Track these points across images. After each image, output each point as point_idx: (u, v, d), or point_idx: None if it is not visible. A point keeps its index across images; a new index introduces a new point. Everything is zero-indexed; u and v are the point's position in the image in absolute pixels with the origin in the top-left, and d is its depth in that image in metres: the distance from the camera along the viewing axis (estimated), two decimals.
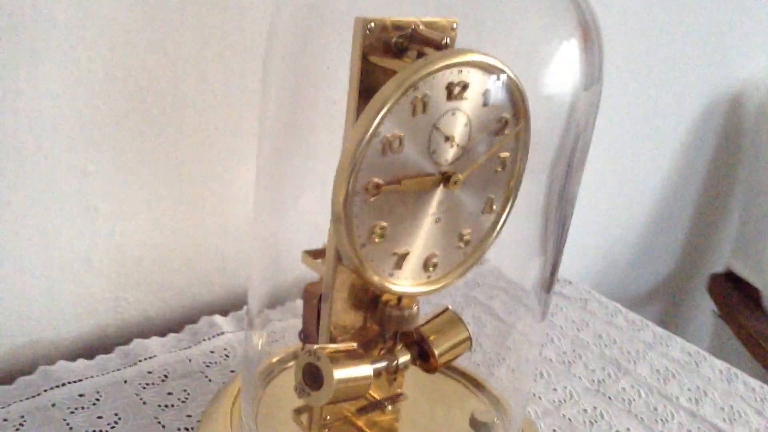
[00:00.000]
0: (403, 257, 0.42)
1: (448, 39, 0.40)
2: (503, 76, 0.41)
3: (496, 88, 0.41)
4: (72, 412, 0.52)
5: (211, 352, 0.60)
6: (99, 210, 0.58)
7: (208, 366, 0.58)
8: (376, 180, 0.38)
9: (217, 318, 0.64)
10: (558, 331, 0.69)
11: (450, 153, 0.41)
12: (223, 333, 0.63)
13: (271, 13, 0.45)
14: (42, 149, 0.54)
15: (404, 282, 0.43)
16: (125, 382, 0.55)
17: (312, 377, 0.44)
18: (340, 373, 0.44)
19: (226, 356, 0.60)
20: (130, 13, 0.54)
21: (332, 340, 0.47)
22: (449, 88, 0.39)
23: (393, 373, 0.48)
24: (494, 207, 0.45)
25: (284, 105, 0.47)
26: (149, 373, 0.56)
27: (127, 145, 0.58)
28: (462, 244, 0.45)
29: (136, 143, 0.58)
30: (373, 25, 0.39)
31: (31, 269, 0.57)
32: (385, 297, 0.46)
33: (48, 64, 0.52)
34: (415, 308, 0.47)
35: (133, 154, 0.58)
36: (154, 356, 0.58)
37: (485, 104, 0.41)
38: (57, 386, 0.54)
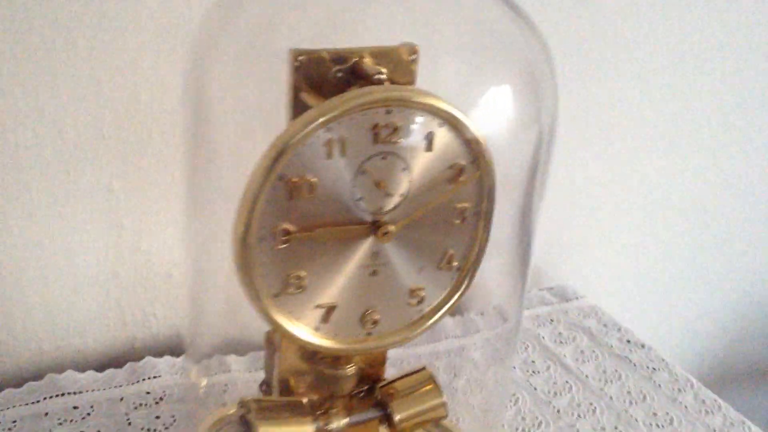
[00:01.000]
0: (330, 310, 0.38)
1: (384, 73, 0.36)
2: (450, 118, 0.36)
3: (441, 131, 0.36)
4: (60, 423, 0.53)
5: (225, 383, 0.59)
6: (124, 226, 0.60)
7: (208, 395, 0.57)
8: (285, 226, 0.35)
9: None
10: (605, 401, 0.61)
11: (386, 201, 0.37)
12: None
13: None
14: (66, 167, 0.56)
15: (335, 338, 0.39)
16: (121, 399, 0.56)
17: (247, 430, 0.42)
18: (268, 429, 0.41)
19: (226, 389, 0.58)
20: (155, 37, 0.55)
21: (288, 393, 0.44)
22: (375, 130, 0.35)
23: None
24: (454, 263, 0.40)
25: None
26: (147, 393, 0.57)
27: (152, 164, 0.59)
28: (414, 301, 0.40)
29: (161, 161, 0.59)
30: (303, 58, 0.36)
31: (57, 279, 0.59)
32: (320, 354, 0.43)
33: (70, 84, 0.54)
34: (350, 370, 0.43)
35: (158, 172, 0.59)
36: (158, 376, 0.58)
37: (428, 149, 0.36)
38: (57, 395, 0.55)
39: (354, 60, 0.37)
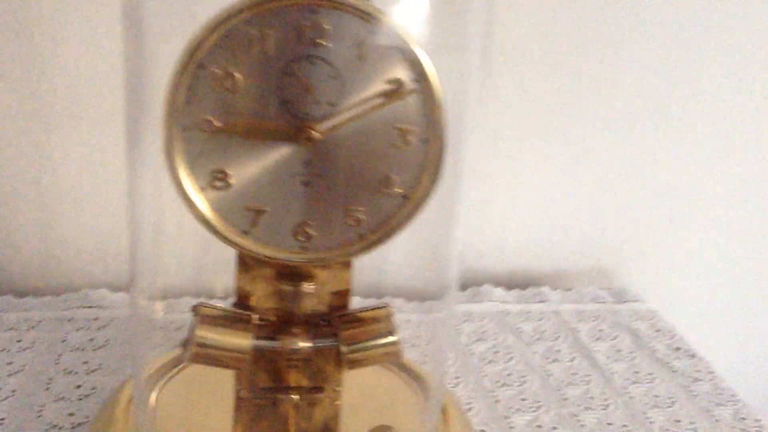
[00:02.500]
0: (258, 214, 0.39)
1: None
2: (382, 25, 0.35)
3: (373, 39, 0.36)
4: (77, 330, 0.58)
5: None
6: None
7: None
8: (208, 117, 0.36)
9: None
10: (623, 400, 0.55)
11: (315, 109, 0.37)
12: None
13: None
14: None
15: (264, 245, 0.39)
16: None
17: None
18: (206, 334, 0.42)
19: None
20: None
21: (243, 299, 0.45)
22: (300, 30, 0.35)
23: (293, 359, 0.44)
24: (396, 189, 0.39)
25: None
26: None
27: None
28: (352, 222, 0.40)
29: None
30: None
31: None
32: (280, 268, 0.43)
33: None
34: (308, 288, 0.43)
35: None
36: None
37: (360, 57, 0.36)
38: (85, 307, 0.60)
39: None
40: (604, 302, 0.69)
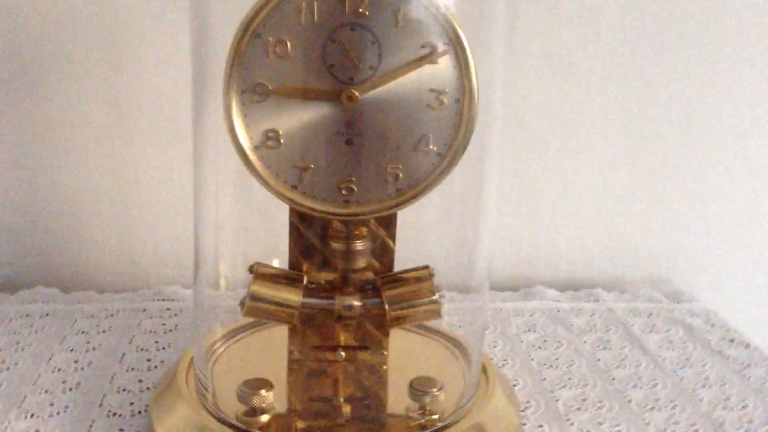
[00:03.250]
0: (304, 170, 0.43)
1: None
2: None
3: (408, 8, 0.40)
4: (150, 318, 0.62)
5: None
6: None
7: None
8: (262, 81, 0.41)
9: None
10: (672, 380, 0.55)
11: (357, 73, 0.41)
12: None
13: None
14: None
15: (311, 198, 0.43)
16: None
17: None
18: (260, 289, 0.46)
19: None
20: None
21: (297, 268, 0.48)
22: (342, 0, 0.40)
23: (342, 318, 0.47)
24: (431, 147, 0.43)
25: None
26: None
27: None
28: (390, 179, 0.43)
29: None
30: None
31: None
32: (332, 230, 0.47)
33: None
34: (360, 245, 0.46)
35: None
36: None
37: (397, 25, 0.41)
38: (158, 300, 0.65)
39: None
40: (659, 302, 0.70)
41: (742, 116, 0.74)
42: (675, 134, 0.74)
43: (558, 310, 0.67)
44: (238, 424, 0.43)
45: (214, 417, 0.44)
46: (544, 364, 0.57)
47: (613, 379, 0.55)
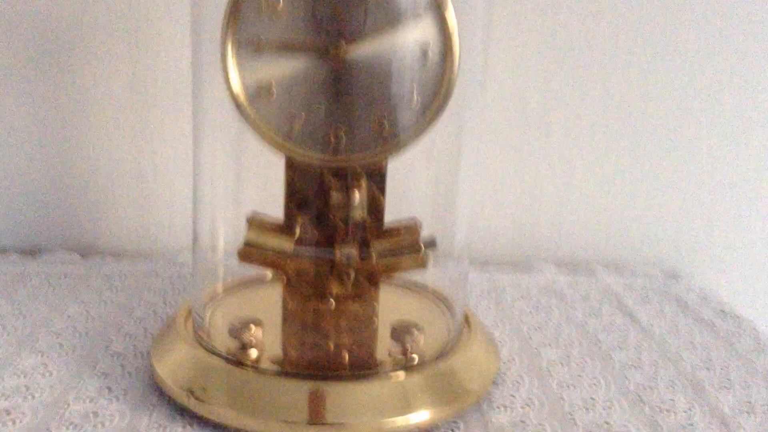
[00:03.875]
0: (296, 120, 0.46)
1: None
2: None
3: None
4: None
5: None
6: None
7: None
8: (256, 35, 0.44)
9: None
10: (657, 343, 0.57)
11: (345, 28, 0.44)
12: None
13: None
14: None
15: (303, 146, 0.46)
16: None
17: None
18: (254, 236, 0.49)
19: None
20: None
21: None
22: None
23: (338, 269, 0.49)
24: (416, 98, 0.45)
25: None
26: None
27: None
28: (377, 129, 0.46)
29: None
30: None
31: None
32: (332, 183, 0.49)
33: None
34: (356, 197, 0.49)
35: None
36: None
37: None
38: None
39: None
40: (653, 278, 0.71)
41: (745, 98, 0.75)
42: (677, 116, 0.75)
43: (554, 282, 0.69)
44: (230, 357, 0.45)
45: (209, 352, 0.46)
46: (534, 328, 0.59)
47: (599, 341, 0.57)
